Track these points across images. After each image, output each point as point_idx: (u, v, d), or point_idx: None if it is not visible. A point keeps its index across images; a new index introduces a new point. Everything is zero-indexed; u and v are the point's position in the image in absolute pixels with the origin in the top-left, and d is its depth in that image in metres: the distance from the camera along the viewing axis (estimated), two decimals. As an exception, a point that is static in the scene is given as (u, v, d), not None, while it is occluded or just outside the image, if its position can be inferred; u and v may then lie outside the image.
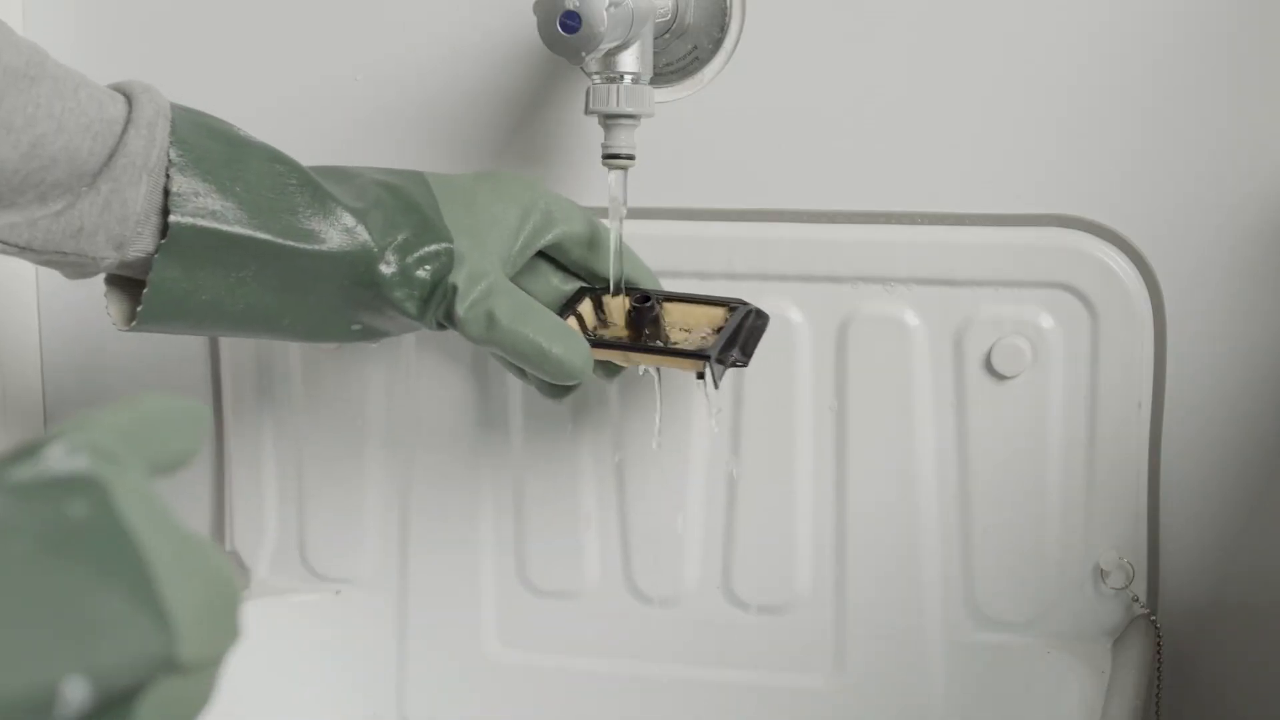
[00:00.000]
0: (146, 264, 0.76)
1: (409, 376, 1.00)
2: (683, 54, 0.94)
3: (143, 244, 0.76)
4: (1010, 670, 0.94)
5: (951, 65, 0.91)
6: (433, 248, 0.81)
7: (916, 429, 0.94)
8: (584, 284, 0.89)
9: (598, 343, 0.85)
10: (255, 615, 1.02)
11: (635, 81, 0.86)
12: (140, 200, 0.75)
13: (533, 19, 0.82)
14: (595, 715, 1.01)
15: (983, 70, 0.91)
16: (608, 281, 0.88)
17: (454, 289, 0.81)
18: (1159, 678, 0.94)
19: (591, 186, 0.95)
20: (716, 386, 0.84)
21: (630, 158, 0.86)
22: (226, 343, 1.03)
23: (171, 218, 0.75)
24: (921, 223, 0.93)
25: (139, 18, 1.02)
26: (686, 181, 0.95)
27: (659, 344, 0.86)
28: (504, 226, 0.84)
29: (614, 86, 0.85)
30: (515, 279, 0.86)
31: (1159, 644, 0.93)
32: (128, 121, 0.75)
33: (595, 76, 0.86)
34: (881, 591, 0.96)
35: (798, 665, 0.98)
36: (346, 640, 1.03)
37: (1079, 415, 0.92)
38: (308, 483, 1.03)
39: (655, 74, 0.90)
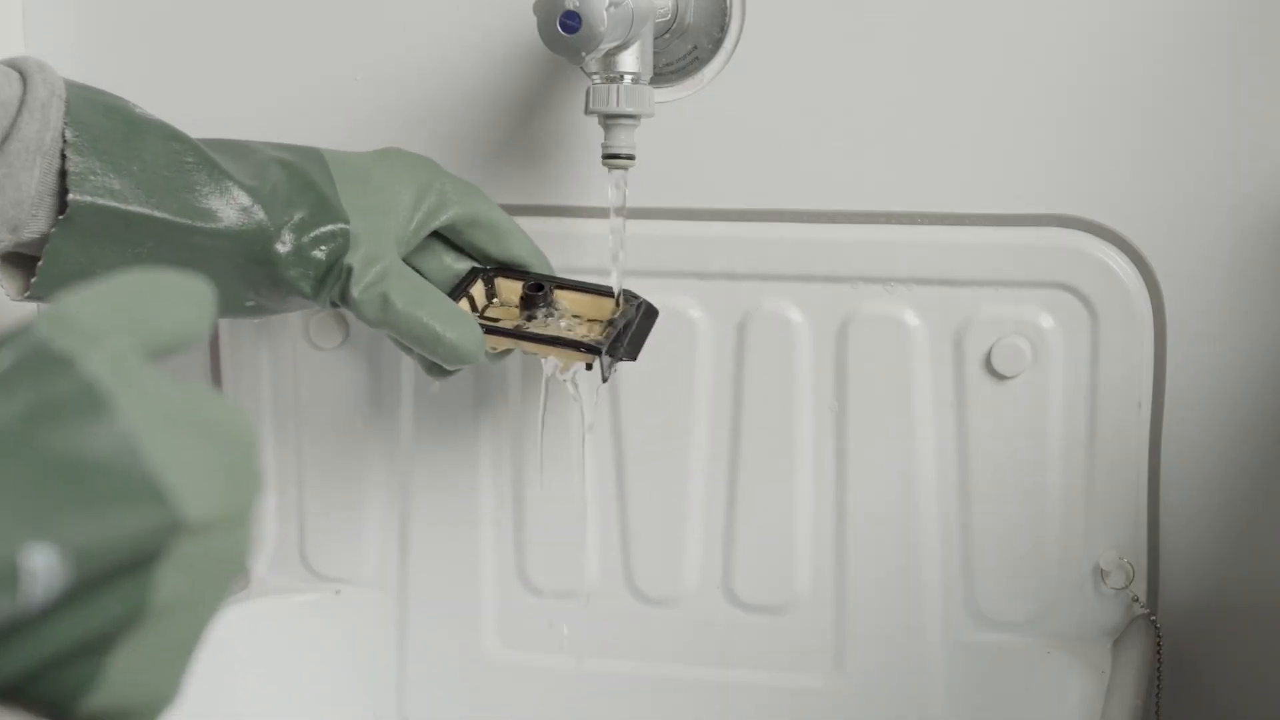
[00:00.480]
0: (42, 243, 0.76)
1: (409, 377, 1.00)
2: (683, 54, 0.94)
3: (37, 225, 0.75)
4: (1010, 670, 0.94)
5: (951, 65, 0.91)
6: (329, 228, 0.81)
7: (916, 429, 0.94)
8: (476, 264, 0.89)
9: (490, 329, 0.85)
10: (255, 615, 1.02)
11: (635, 81, 0.86)
12: (34, 184, 0.74)
13: (533, 19, 0.82)
14: (595, 715, 1.01)
15: (983, 70, 0.91)
16: (499, 263, 0.88)
17: (349, 270, 0.81)
18: (1159, 678, 0.93)
19: (591, 186, 0.95)
20: (605, 380, 0.85)
21: (630, 158, 0.86)
22: (226, 341, 1.03)
23: (70, 196, 0.74)
24: (921, 223, 0.93)
25: (139, 18, 1.02)
26: (686, 181, 0.95)
27: (549, 334, 0.86)
28: (400, 206, 0.85)
29: (614, 86, 0.85)
30: (408, 258, 0.86)
31: (1159, 644, 0.93)
32: (21, 104, 0.74)
33: (595, 76, 0.86)
34: (881, 591, 0.96)
35: (798, 665, 0.98)
36: (346, 640, 1.03)
37: (1079, 415, 0.92)
38: (308, 483, 1.03)
39: (655, 74, 0.90)
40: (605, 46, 0.82)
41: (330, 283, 0.82)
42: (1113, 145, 0.90)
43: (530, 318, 0.87)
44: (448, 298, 0.84)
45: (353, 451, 1.02)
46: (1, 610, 0.36)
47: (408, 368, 1.00)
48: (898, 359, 0.93)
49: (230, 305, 0.82)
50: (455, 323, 0.83)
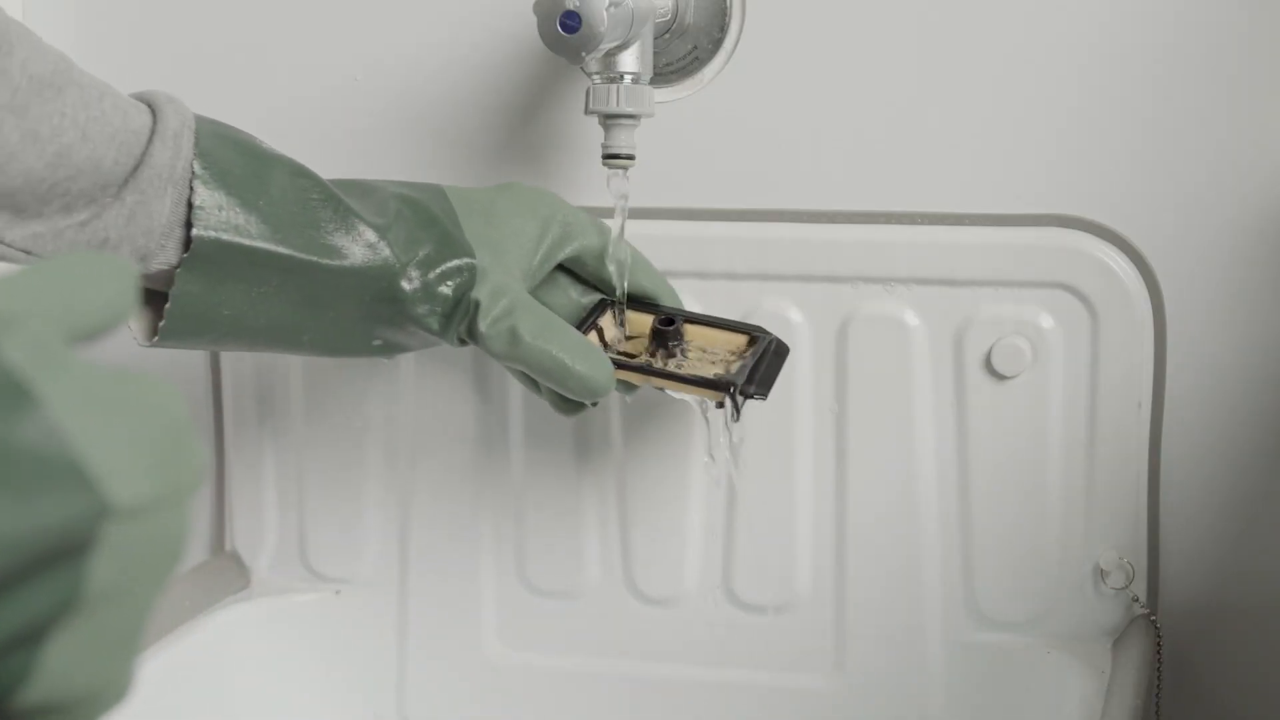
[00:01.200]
0: (169, 277, 0.76)
1: (409, 378, 1.00)
2: (683, 54, 0.94)
3: (166, 256, 0.75)
4: (1010, 670, 0.94)
5: (952, 65, 0.91)
6: (455, 263, 0.81)
7: (916, 429, 0.94)
8: (603, 296, 0.88)
9: (621, 364, 0.84)
10: (255, 615, 1.02)
11: (635, 81, 0.86)
12: (165, 213, 0.74)
13: (533, 19, 0.82)
14: (595, 715, 1.01)
15: (983, 70, 0.91)
16: (626, 295, 0.88)
17: (476, 305, 0.81)
18: (1159, 678, 0.93)
19: (591, 186, 0.95)
20: (737, 419, 0.83)
21: (630, 158, 0.86)
22: (226, 343, 1.03)
23: (194, 231, 0.74)
24: (921, 223, 0.93)
25: (139, 19, 1.02)
26: (686, 181, 0.95)
27: (683, 372, 0.85)
28: (524, 240, 0.84)
29: (614, 86, 0.85)
30: (534, 291, 0.85)
31: (1159, 644, 0.93)
32: (153, 132, 0.74)
33: (595, 76, 0.86)
34: (881, 591, 0.96)
35: (798, 665, 0.98)
36: (346, 640, 1.03)
37: (1079, 415, 0.92)
38: (308, 483, 1.03)
39: (655, 74, 0.90)
40: (605, 46, 0.82)
41: (458, 318, 0.81)
42: (1113, 145, 0.90)
43: (660, 351, 0.86)
44: (576, 330, 0.83)
45: (353, 451, 1.02)
46: None
47: (407, 367, 1.00)
48: (898, 359, 0.93)
49: (358, 345, 0.81)
50: (585, 355, 0.81)
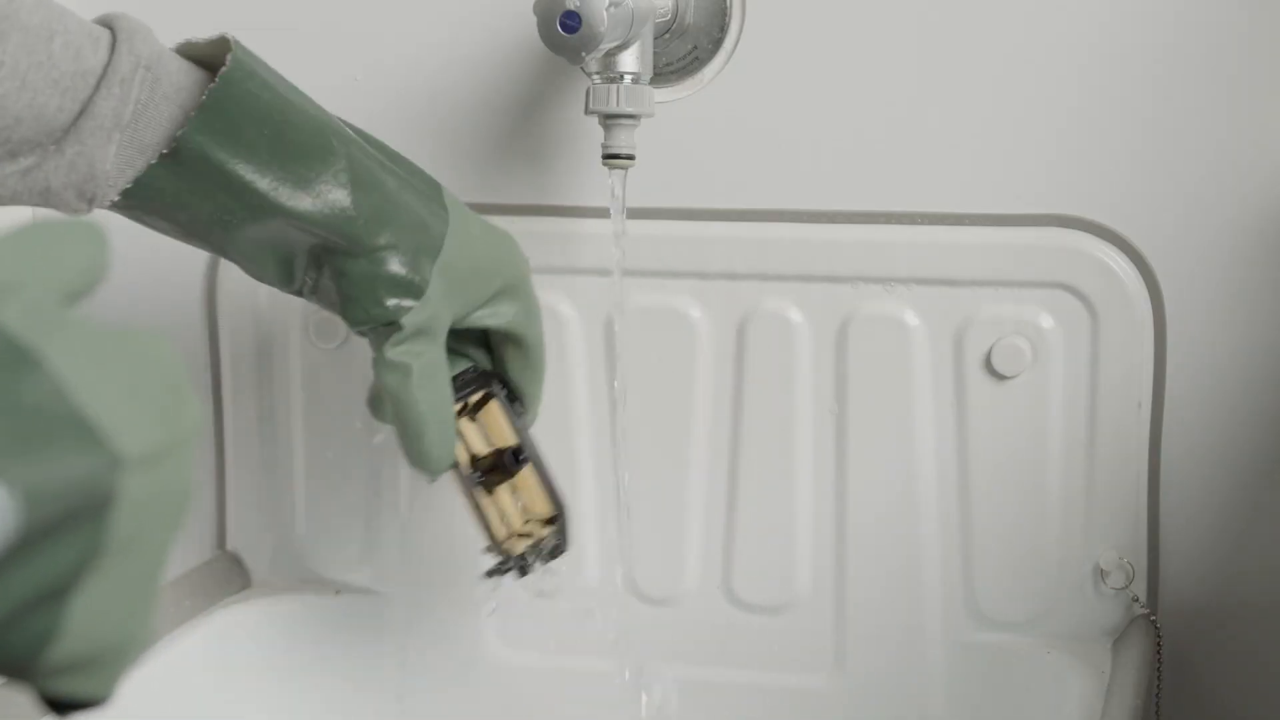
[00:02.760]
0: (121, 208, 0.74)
1: (409, 376, 1.00)
2: (683, 54, 0.94)
3: (115, 195, 0.73)
4: (1010, 670, 0.94)
5: (952, 65, 0.91)
6: (406, 280, 0.78)
7: (916, 429, 0.94)
8: (492, 372, 0.86)
9: (455, 466, 0.83)
10: (255, 615, 1.02)
11: (635, 81, 0.86)
12: (110, 159, 0.72)
13: (533, 19, 0.82)
14: (595, 715, 1.01)
15: (983, 70, 0.91)
16: (508, 384, 0.86)
17: (398, 328, 0.79)
18: (1159, 678, 0.93)
19: (591, 186, 0.95)
20: (487, 575, 0.86)
21: (630, 158, 0.86)
22: (227, 341, 1.03)
23: (180, 133, 0.72)
24: (921, 223, 0.93)
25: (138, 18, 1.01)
26: (686, 181, 0.95)
27: (486, 515, 0.85)
28: (478, 293, 0.82)
29: (614, 86, 0.85)
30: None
31: (1159, 644, 0.93)
32: (101, 77, 0.72)
33: (595, 76, 0.86)
34: (881, 591, 0.96)
35: (798, 665, 0.98)
36: (346, 641, 1.03)
37: (1079, 415, 0.92)
38: (308, 483, 1.03)
39: (655, 74, 0.90)
40: (605, 46, 0.82)
41: (374, 323, 0.79)
42: (1113, 145, 0.90)
43: (490, 475, 0.85)
44: (453, 407, 0.82)
45: (353, 451, 1.02)
46: None
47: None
48: (898, 359, 0.93)
49: (282, 279, 0.80)
50: (441, 437, 0.81)
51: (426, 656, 1.03)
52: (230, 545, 1.05)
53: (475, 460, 0.84)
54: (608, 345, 0.97)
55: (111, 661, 0.41)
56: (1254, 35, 0.88)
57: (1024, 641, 0.94)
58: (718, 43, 0.94)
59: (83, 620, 0.39)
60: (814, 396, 0.95)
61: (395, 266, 0.78)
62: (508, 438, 0.85)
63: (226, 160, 0.74)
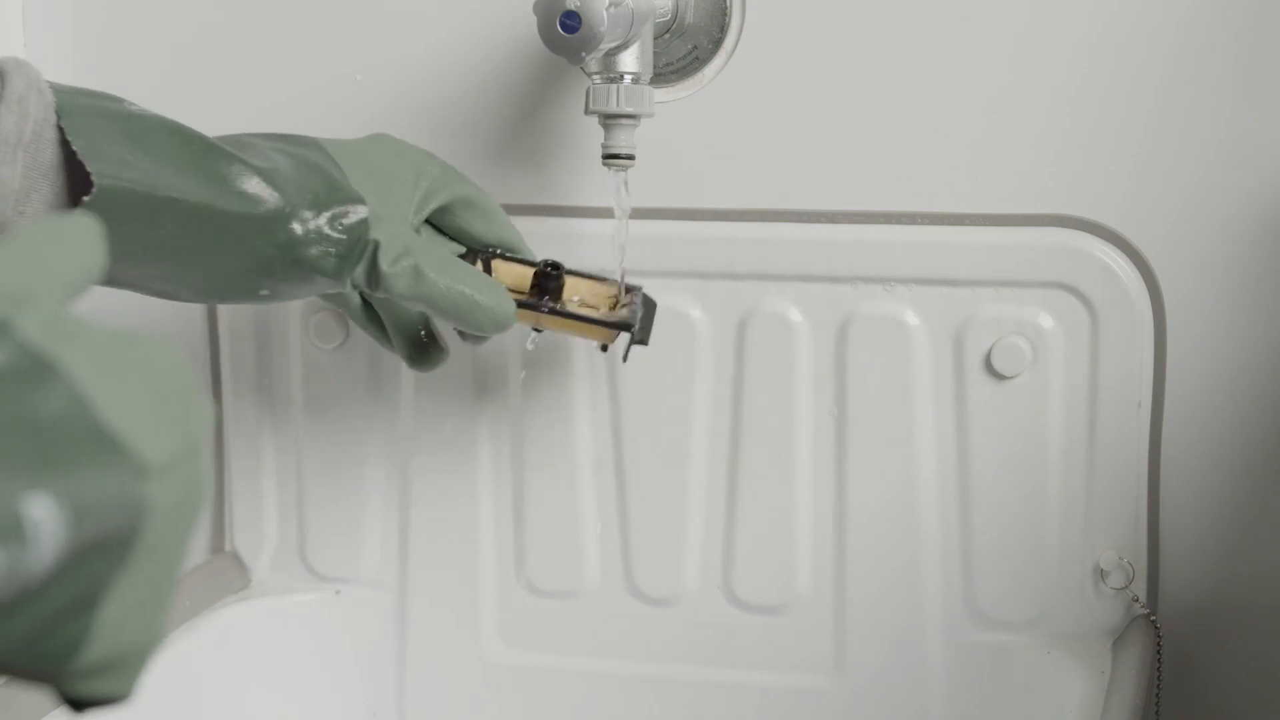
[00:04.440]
0: None
1: (410, 377, 1.00)
2: (683, 54, 0.94)
3: (28, 219, 0.73)
4: (1010, 670, 0.94)
5: (952, 65, 0.91)
6: (346, 207, 0.80)
7: (916, 429, 0.94)
8: (469, 247, 0.87)
9: (522, 303, 0.84)
10: (255, 615, 1.02)
11: (635, 81, 0.86)
12: (16, 178, 0.72)
13: (533, 19, 0.82)
14: (595, 715, 1.01)
15: (983, 70, 0.91)
16: (488, 246, 0.87)
17: (376, 245, 0.80)
18: (1159, 678, 0.94)
19: (591, 186, 0.95)
20: (625, 359, 0.86)
21: (630, 158, 0.86)
22: (226, 341, 1.03)
23: (94, 168, 0.72)
24: (921, 223, 0.93)
25: (138, 18, 1.02)
26: (686, 181, 0.95)
27: (577, 312, 0.85)
28: (403, 187, 0.84)
29: (614, 86, 0.85)
30: None
31: (1159, 644, 0.93)
32: None
33: (595, 76, 0.86)
34: (881, 591, 0.96)
35: (798, 665, 0.98)
36: (346, 640, 1.03)
37: (1079, 415, 0.92)
38: (308, 483, 1.03)
39: (655, 74, 0.90)
40: (605, 46, 0.82)
41: (353, 260, 0.80)
42: (1113, 145, 0.90)
43: (545, 298, 0.86)
44: (474, 267, 0.83)
45: (353, 451, 1.02)
46: (20, 565, 0.36)
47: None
48: (898, 359, 0.93)
49: (245, 293, 0.81)
50: (489, 289, 0.82)
51: (426, 656, 1.03)
52: (230, 545, 1.05)
53: (520, 303, 0.85)
54: (608, 345, 0.97)
55: (133, 661, 0.42)
56: (1254, 35, 0.88)
57: (1024, 642, 0.94)
58: (718, 43, 0.94)
59: (111, 625, 0.40)
60: (814, 396, 0.95)
61: (325, 205, 0.79)
62: (529, 270, 0.86)
63: (135, 182, 0.74)
